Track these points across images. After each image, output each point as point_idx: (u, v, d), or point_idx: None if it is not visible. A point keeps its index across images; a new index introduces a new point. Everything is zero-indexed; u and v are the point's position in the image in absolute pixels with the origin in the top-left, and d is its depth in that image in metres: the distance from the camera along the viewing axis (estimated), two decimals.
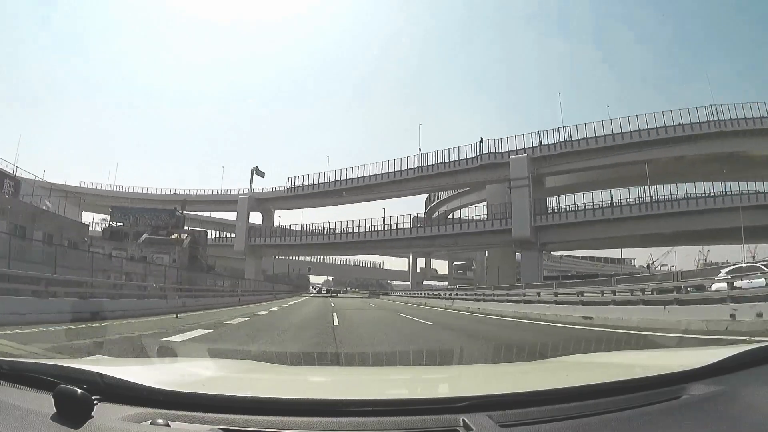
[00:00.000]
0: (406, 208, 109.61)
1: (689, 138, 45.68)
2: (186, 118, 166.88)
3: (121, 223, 37.22)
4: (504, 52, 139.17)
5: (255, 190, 64.31)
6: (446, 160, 51.65)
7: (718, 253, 72.77)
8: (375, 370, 3.49)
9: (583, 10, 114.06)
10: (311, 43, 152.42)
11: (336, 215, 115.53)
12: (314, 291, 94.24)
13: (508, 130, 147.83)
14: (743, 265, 14.49)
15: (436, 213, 65.63)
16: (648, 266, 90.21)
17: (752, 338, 6.39)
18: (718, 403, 1.43)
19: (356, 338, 8.44)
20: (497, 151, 50.10)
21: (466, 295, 24.95)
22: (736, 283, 9.65)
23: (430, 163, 52.38)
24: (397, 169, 53.85)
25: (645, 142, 47.08)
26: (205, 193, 69.29)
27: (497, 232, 48.68)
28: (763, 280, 10.21)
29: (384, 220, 55.38)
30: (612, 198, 49.00)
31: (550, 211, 50.01)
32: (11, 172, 29.93)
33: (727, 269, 13.32)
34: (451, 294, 27.95)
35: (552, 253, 67.46)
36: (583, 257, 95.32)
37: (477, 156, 50.29)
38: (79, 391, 1.22)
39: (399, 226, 54.13)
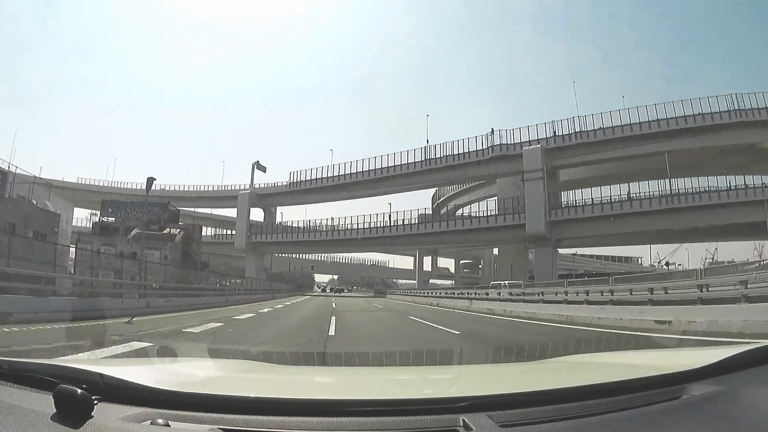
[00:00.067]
0: (413, 204, 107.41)
1: (709, 128, 43.33)
2: (186, 118, 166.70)
3: (113, 218, 34.98)
4: (508, 47, 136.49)
5: (256, 186, 62.06)
6: (455, 152, 49.25)
7: (724, 251, 70.80)
8: (375, 370, 3.43)
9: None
10: (312, 43, 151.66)
11: (340, 211, 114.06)
12: (318, 290, 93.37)
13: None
14: None
15: (444, 209, 63.26)
16: (658, 264, 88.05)
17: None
18: (718, 403, 1.42)
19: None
20: (509, 142, 47.57)
21: (487, 294, 21.90)
22: None
23: (438, 156, 49.92)
24: (404, 162, 51.48)
25: (664, 132, 44.62)
26: (205, 189, 67.09)
27: (509, 227, 46.24)
28: None
29: (390, 215, 53.04)
30: (630, 191, 46.71)
31: (564, 205, 47.62)
32: None
33: None
34: (469, 293, 24.80)
35: (559, 251, 65.01)
36: (590, 255, 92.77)
37: (488, 148, 47.81)
38: (79, 391, 1.21)
39: (405, 222, 51.75)
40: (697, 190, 44.84)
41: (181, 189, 66.83)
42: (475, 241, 51.33)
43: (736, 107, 43.18)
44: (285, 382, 2.07)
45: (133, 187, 62.18)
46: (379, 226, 53.10)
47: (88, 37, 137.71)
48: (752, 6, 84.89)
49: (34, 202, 28.26)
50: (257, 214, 63.14)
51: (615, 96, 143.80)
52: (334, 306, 23.13)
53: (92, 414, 1.20)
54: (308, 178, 57.05)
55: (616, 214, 44.39)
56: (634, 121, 45.56)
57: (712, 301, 9.06)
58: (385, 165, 52.39)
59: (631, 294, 11.88)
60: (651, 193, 46.29)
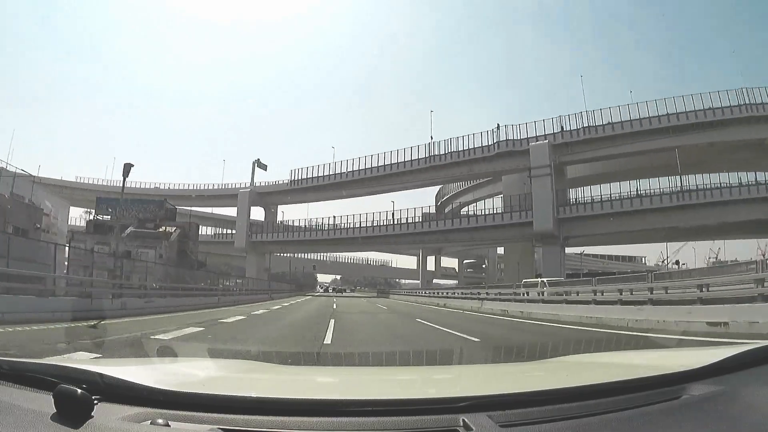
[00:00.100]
0: (416, 203, 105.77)
1: (718, 123, 42.24)
2: (186, 117, 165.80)
3: (108, 216, 33.87)
4: (510, 46, 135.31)
5: (257, 184, 60.94)
6: (460, 148, 48.04)
7: (725, 251, 69.68)
8: (375, 370, 3.40)
9: None
10: (311, 42, 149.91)
11: (342, 210, 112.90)
12: (321, 290, 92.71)
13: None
14: None
15: (448, 208, 62.01)
16: (662, 264, 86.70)
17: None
18: (718, 403, 1.42)
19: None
20: (515, 138, 46.36)
21: (500, 294, 19.99)
22: None
23: (442, 152, 48.73)
24: (408, 158, 50.28)
25: (674, 127, 43.54)
26: (204, 188, 65.98)
27: (516, 225, 45.08)
28: None
29: (393, 214, 51.88)
30: (639, 188, 45.53)
31: (571, 202, 46.41)
32: None
33: None
34: (479, 293, 22.86)
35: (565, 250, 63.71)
36: (594, 255, 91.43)
37: (494, 144, 46.61)
38: (79, 391, 1.21)
39: (410, 221, 50.58)
40: (707, 186, 43.72)
41: (180, 188, 65.80)
42: (481, 240, 50.08)
43: (747, 101, 41.99)
44: (285, 382, 2.06)
45: (131, 185, 61.15)
46: (382, 224, 51.96)
47: (88, 37, 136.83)
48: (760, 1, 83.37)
49: (25, 198, 27.17)
50: (258, 214, 62.23)
51: (622, 92, 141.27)
52: (335, 307, 21.93)
53: (92, 414, 1.20)
54: (309, 176, 55.94)
55: (625, 211, 43.20)
56: (643, 116, 44.38)
57: None
58: (388, 162, 51.25)
59: (666, 292, 10.60)
60: (661, 190, 45.21)
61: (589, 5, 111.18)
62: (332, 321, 12.39)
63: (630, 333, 8.18)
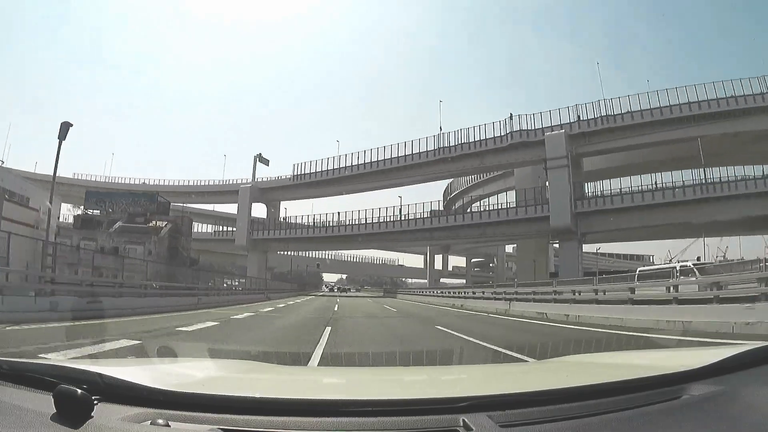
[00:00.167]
0: (423, 200, 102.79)
1: (742, 112, 39.54)
2: (187, 117, 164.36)
3: (97, 211, 31.72)
4: (512, 45, 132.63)
5: (259, 180, 58.72)
6: (471, 139, 45.63)
7: (733, 249, 67.54)
8: (375, 370, 3.37)
9: None
10: (314, 40, 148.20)
11: (348, 206, 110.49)
12: (326, 289, 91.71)
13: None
14: None
15: (458, 204, 59.64)
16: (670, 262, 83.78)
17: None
18: (718, 403, 1.43)
19: None
20: (529, 128, 43.92)
21: (534, 294, 16.69)
22: None
23: (452, 144, 46.34)
24: (416, 151, 47.90)
25: (697, 116, 41.00)
26: (204, 184, 63.84)
27: (531, 220, 42.61)
28: None
29: (401, 209, 49.51)
30: (661, 180, 43.05)
31: (589, 196, 43.97)
32: None
33: None
34: (506, 292, 19.22)
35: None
36: (602, 253, 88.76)
37: (506, 134, 44.17)
38: (79, 391, 1.21)
39: (418, 216, 48.21)
40: (731, 178, 41.20)
41: (179, 184, 63.66)
42: (493, 236, 47.60)
43: None
44: (285, 382, 2.05)
45: (125, 182, 59.33)
46: (389, 220, 49.64)
47: (88, 36, 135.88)
48: None
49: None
50: (260, 211, 60.10)
51: (640, 81, 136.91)
52: (336, 309, 19.56)
53: (92, 414, 1.19)
54: (313, 170, 53.63)
55: (646, 205, 40.71)
56: (664, 104, 41.91)
57: None
58: (395, 155, 48.92)
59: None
60: (683, 182, 42.74)
61: None
62: (327, 330, 9.87)
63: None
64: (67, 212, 51.35)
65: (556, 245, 52.05)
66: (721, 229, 50.87)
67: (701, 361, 1.63)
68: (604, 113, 42.75)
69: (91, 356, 5.44)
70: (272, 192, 57.86)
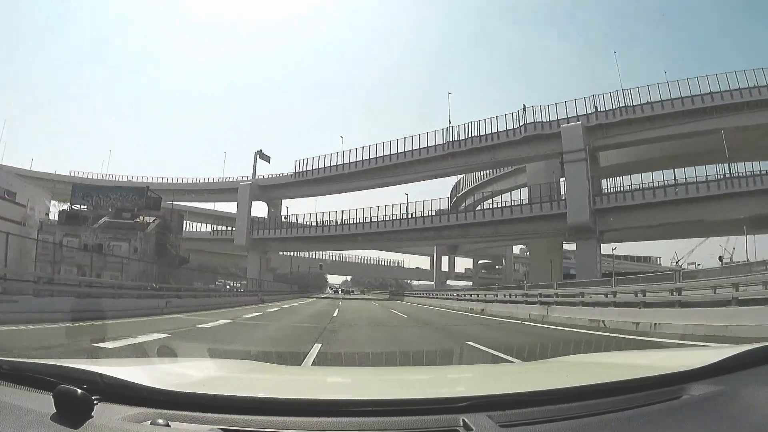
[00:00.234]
0: (430, 198, 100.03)
1: (764, 103, 36.99)
2: (187, 115, 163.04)
3: (85, 206, 29.55)
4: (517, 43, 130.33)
5: (259, 177, 56.46)
6: (481, 133, 43.31)
7: (739, 250, 65.30)
8: (375, 370, 3.38)
9: None
10: (315, 40, 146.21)
11: (352, 204, 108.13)
12: (331, 291, 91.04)
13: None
14: None
15: (467, 201, 57.29)
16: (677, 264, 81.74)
17: None
18: (718, 403, 1.43)
19: None
20: (544, 120, 41.56)
21: (582, 296, 13.66)
22: None
23: (462, 138, 44.01)
24: (424, 145, 45.59)
25: (720, 106, 38.82)
26: (202, 181, 61.59)
27: (547, 217, 40.24)
28: None
29: (408, 207, 47.17)
30: (676, 177, 40.61)
31: (607, 192, 41.60)
32: None
33: None
34: (541, 295, 15.85)
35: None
36: (608, 255, 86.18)
37: (520, 127, 41.81)
38: (79, 391, 1.20)
39: (426, 214, 45.86)
40: (748, 173, 39.15)
41: (176, 182, 61.36)
42: (506, 234, 45.12)
43: None
44: (285, 382, 2.05)
45: (121, 179, 57.19)
46: (395, 218, 47.31)
47: (88, 36, 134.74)
48: None
49: None
50: (261, 210, 57.90)
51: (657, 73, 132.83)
52: (335, 315, 16.79)
53: (92, 414, 1.19)
54: (316, 166, 51.37)
55: (669, 200, 38.35)
56: (685, 94, 39.59)
57: None
58: (401, 150, 46.63)
59: None
60: (707, 177, 40.37)
61: None
62: (315, 349, 6.95)
63: None
64: (57, 209, 49.49)
65: (566, 246, 50.29)
66: (736, 227, 48.43)
67: (701, 361, 1.63)
68: (622, 104, 40.46)
69: None
70: (273, 190, 55.61)
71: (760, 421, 1.32)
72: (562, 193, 41.51)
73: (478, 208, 48.84)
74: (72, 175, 64.15)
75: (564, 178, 40.63)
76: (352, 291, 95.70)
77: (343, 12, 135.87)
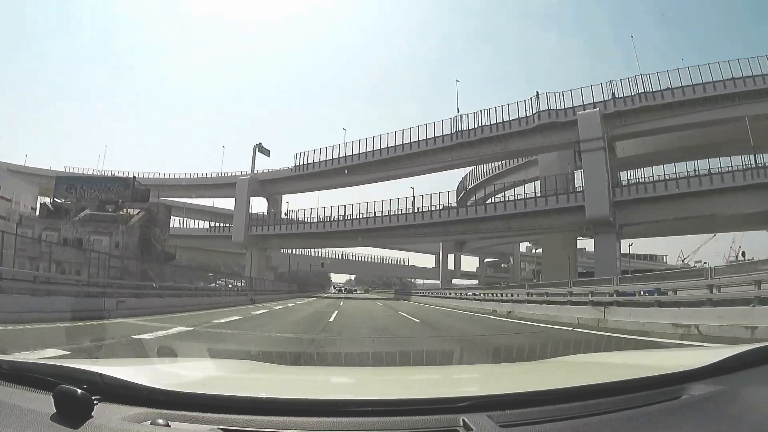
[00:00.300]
0: (435, 193, 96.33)
1: None
2: (187, 116, 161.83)
3: (69, 199, 27.35)
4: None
5: (258, 171, 54.14)
6: (492, 122, 40.90)
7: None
8: (375, 370, 3.37)
9: None
10: (316, 38, 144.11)
11: (356, 198, 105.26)
12: (334, 291, 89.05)
13: None
14: None
15: (474, 198, 54.84)
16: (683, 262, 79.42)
17: None
18: (718, 403, 1.43)
19: None
20: (558, 108, 39.14)
21: (655, 294, 10.82)
22: None
23: (471, 127, 41.61)
24: (430, 136, 43.20)
25: (744, 93, 36.40)
26: (199, 176, 59.26)
27: (563, 211, 37.79)
28: None
29: (413, 201, 44.78)
30: (709, 166, 38.20)
31: (627, 183, 39.21)
32: None
33: None
34: (592, 293, 12.79)
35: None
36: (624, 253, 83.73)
37: (533, 115, 39.39)
38: (79, 391, 1.20)
39: (433, 208, 43.45)
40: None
41: (171, 176, 59.05)
42: (519, 229, 42.64)
43: None
44: (285, 382, 2.04)
45: (114, 174, 54.89)
46: (400, 213, 44.94)
47: (88, 36, 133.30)
48: None
49: None
50: (261, 206, 55.57)
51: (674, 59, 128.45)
52: (331, 319, 13.98)
53: (92, 414, 1.19)
54: (317, 159, 49.02)
55: (693, 192, 35.91)
56: (707, 80, 37.21)
57: None
58: (407, 141, 44.24)
59: None
60: (733, 167, 37.98)
61: None
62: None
63: None
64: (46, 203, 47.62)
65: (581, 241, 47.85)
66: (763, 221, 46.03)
67: (701, 361, 1.62)
68: (641, 90, 38.05)
69: None
70: (273, 184, 53.29)
71: (760, 421, 1.31)
72: (578, 185, 39.26)
73: (489, 201, 46.37)
74: (66, 170, 62.16)
75: (581, 170, 38.23)
76: (355, 290, 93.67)
77: (345, 9, 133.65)
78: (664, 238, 72.60)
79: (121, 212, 24.22)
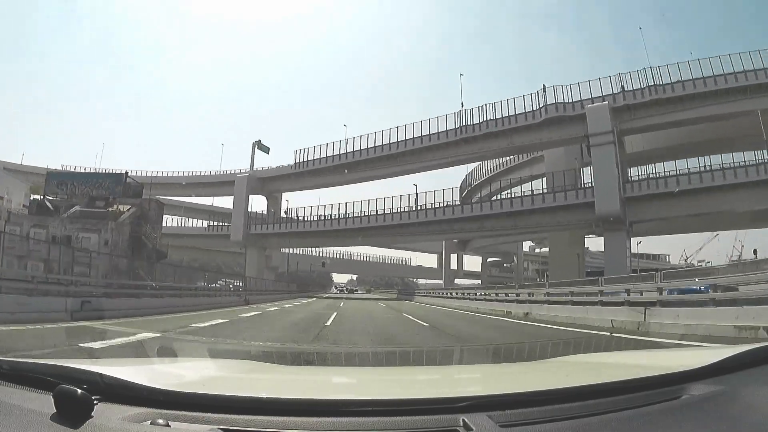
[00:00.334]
0: (437, 190, 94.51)
1: None
2: (186, 116, 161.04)
3: (60, 196, 26.29)
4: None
5: (258, 169, 52.99)
6: (497, 116, 39.71)
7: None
8: (375, 370, 3.28)
9: None
10: (316, 37, 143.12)
11: (358, 196, 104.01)
12: (336, 291, 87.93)
13: None
14: None
15: (478, 196, 53.67)
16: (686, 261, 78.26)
17: None
18: (718, 403, 1.42)
19: None
20: (566, 101, 37.93)
21: (719, 291, 9.15)
22: None
23: (476, 122, 40.42)
24: (434, 131, 42.01)
25: (757, 86, 35.03)
26: (196, 174, 58.12)
27: (570, 207, 36.59)
28: None
29: (416, 198, 43.57)
30: (721, 162, 36.98)
31: (638, 178, 37.99)
32: None
33: None
34: (627, 291, 11.63)
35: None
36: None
37: (540, 109, 38.18)
38: (79, 391, 1.20)
39: (436, 205, 42.26)
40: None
41: (169, 174, 57.94)
42: (524, 227, 41.47)
43: None
44: (285, 382, 2.03)
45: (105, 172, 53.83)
46: (402, 211, 43.76)
47: (88, 36, 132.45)
48: None
49: None
50: (260, 204, 54.41)
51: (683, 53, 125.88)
52: (328, 323, 12.42)
53: (92, 414, 1.18)
54: (317, 156, 47.85)
55: (705, 187, 34.61)
56: (718, 72, 35.99)
57: None
58: (410, 136, 43.06)
59: None
60: (746, 162, 36.81)
61: None
62: None
63: None
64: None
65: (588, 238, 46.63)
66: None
67: (701, 361, 1.62)
68: (651, 83, 36.83)
69: None
70: (272, 182, 52.16)
71: (760, 421, 1.31)
72: (586, 181, 38.09)
73: (494, 198, 45.17)
74: (63, 168, 61.19)
75: (590, 166, 37.05)
76: (357, 290, 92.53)
77: (345, 9, 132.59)
78: (664, 238, 72.27)
79: (111, 209, 23.10)
